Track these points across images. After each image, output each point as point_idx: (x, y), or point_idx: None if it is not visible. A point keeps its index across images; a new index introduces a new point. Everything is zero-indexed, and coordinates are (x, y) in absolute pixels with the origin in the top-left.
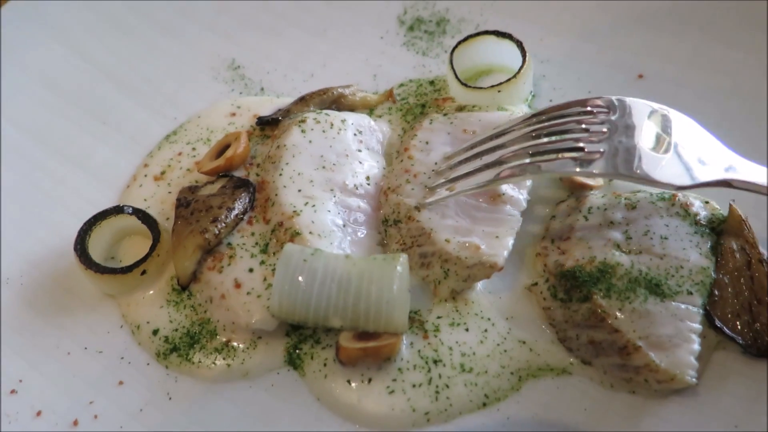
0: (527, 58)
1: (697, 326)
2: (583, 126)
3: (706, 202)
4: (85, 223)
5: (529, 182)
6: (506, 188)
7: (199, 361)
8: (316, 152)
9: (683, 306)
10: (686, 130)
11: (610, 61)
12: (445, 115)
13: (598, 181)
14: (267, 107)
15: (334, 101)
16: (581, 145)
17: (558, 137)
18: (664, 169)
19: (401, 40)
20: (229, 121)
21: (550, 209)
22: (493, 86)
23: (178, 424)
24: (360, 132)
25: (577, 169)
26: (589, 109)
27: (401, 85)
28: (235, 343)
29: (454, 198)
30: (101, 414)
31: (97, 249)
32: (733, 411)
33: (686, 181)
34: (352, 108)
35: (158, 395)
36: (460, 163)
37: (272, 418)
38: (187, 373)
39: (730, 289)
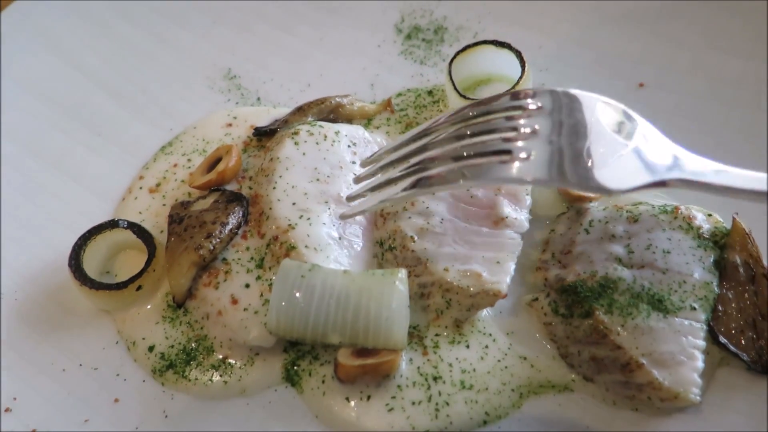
0: (526, 68)
1: (701, 343)
2: (516, 124)
3: (709, 215)
4: (79, 238)
5: (528, 201)
6: (508, 210)
7: (196, 378)
8: (310, 164)
9: (686, 322)
10: (637, 128)
11: (611, 69)
12: None
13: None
14: (263, 117)
15: (332, 111)
16: (512, 147)
17: (486, 137)
18: (608, 173)
19: (399, 49)
20: (225, 132)
21: (549, 222)
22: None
23: None
24: (354, 144)
25: (512, 176)
26: (522, 103)
27: (399, 94)
28: (232, 360)
29: (451, 224)
30: None
31: (92, 264)
32: (737, 429)
33: (623, 186)
34: (350, 118)
35: (154, 413)
36: (382, 168)
37: None
38: (183, 390)
39: (733, 305)
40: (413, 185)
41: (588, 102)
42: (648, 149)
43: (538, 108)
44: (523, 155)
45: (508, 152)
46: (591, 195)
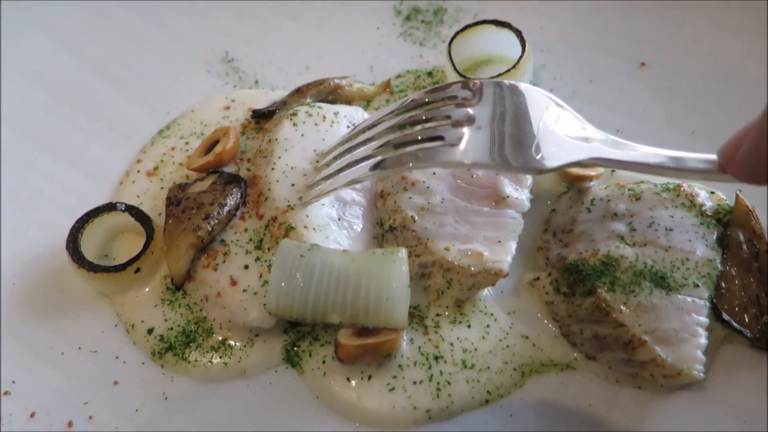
0: (527, 48)
1: (704, 320)
2: (459, 111)
3: (712, 193)
4: (77, 221)
5: (529, 180)
6: (509, 190)
7: (196, 360)
8: (309, 146)
9: (689, 299)
10: (566, 115)
11: (612, 49)
12: None
13: (598, 171)
14: (262, 100)
15: (331, 92)
16: (450, 133)
17: (423, 126)
18: (537, 155)
19: (398, 31)
20: (223, 115)
21: (551, 201)
22: (492, 77)
23: (175, 425)
24: (353, 124)
25: (446, 159)
26: (465, 94)
27: (399, 76)
28: (231, 342)
29: (452, 203)
30: (96, 415)
31: (90, 247)
32: (741, 406)
33: (549, 165)
34: (349, 99)
35: (154, 395)
36: (336, 158)
37: (270, 417)
38: (183, 373)
39: (737, 282)
40: (373, 168)
41: (528, 93)
42: (573, 134)
43: (482, 97)
44: (463, 140)
45: (441, 138)
46: (591, 174)
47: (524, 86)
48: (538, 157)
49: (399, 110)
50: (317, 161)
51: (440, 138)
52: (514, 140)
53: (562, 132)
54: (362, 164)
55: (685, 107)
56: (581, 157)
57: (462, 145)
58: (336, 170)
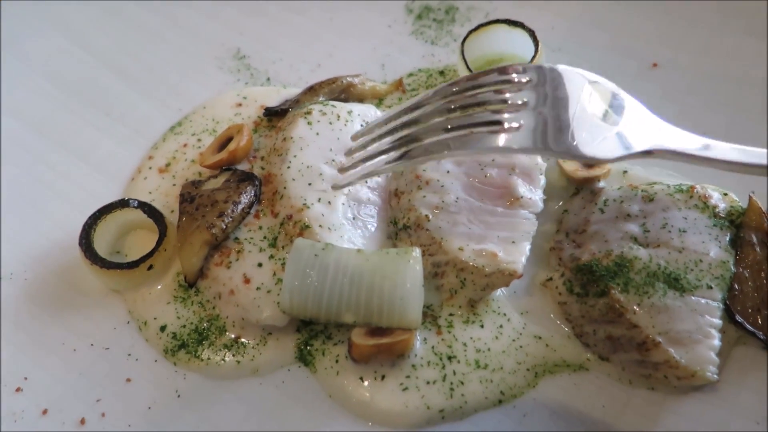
0: (539, 48)
1: (717, 321)
2: (502, 97)
3: (725, 194)
4: (89, 217)
5: (543, 181)
6: (523, 190)
7: (208, 358)
8: (324, 144)
9: (703, 300)
10: (619, 101)
11: (624, 49)
12: None
13: (604, 170)
14: (273, 97)
15: (343, 90)
16: (498, 118)
17: (475, 110)
18: (590, 142)
19: (409, 29)
20: (235, 112)
21: (563, 202)
22: None
23: (187, 422)
24: (367, 123)
25: (497, 145)
26: (509, 77)
27: (410, 74)
28: (244, 340)
29: (466, 203)
30: (108, 412)
31: (102, 243)
32: (754, 407)
33: (610, 155)
34: (361, 97)
35: (166, 392)
36: (374, 140)
37: (283, 416)
38: (195, 370)
39: (750, 283)
40: (401, 156)
41: (572, 76)
42: (632, 122)
43: (524, 82)
44: (508, 126)
45: (493, 123)
46: (598, 174)
47: (567, 69)
48: (587, 144)
49: (440, 94)
50: (350, 144)
51: (497, 123)
52: (562, 126)
53: (624, 120)
54: (401, 150)
55: (697, 108)
56: (647, 147)
57: (517, 132)
58: (372, 154)
